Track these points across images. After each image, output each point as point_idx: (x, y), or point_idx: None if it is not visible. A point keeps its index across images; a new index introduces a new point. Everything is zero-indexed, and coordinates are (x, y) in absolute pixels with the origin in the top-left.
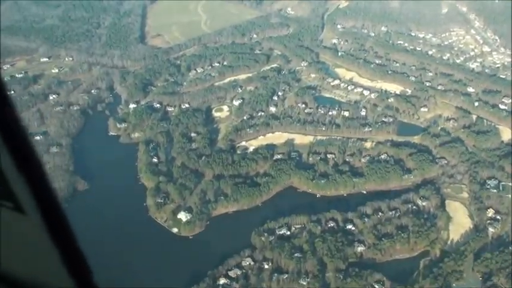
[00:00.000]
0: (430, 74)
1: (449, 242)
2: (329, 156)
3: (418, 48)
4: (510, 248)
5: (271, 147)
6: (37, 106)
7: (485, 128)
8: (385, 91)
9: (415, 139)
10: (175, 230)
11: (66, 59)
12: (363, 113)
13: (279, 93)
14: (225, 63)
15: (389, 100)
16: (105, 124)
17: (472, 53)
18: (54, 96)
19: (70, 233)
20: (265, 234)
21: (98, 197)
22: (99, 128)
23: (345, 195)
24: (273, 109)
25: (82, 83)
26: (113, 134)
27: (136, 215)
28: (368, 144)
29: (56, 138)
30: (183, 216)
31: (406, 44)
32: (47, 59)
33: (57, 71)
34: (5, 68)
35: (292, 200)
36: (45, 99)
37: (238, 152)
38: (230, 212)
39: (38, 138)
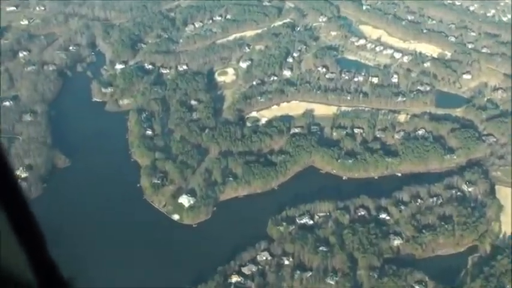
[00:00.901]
0: (473, 34)
1: (501, 236)
2: (356, 131)
3: (457, 3)
4: None
5: (287, 119)
6: (5, 65)
7: None
8: (420, 54)
9: (457, 112)
10: (176, 216)
11: (37, 8)
12: (395, 79)
13: (294, 54)
14: (228, 16)
15: (425, 65)
16: (87, 88)
17: None
18: (24, 53)
19: (26, 208)
20: (284, 223)
21: (82, 176)
22: (81, 93)
23: (376, 177)
24: (287, 73)
25: (57, 38)
26: (97, 100)
27: (129, 199)
28: (402, 117)
29: (29, 105)
30: (185, 200)
31: None
32: (14, 8)
33: (26, 22)
34: None
35: (314, 183)
36: (13, 57)
37: (248, 124)
38: (241, 196)
39: (7, 103)
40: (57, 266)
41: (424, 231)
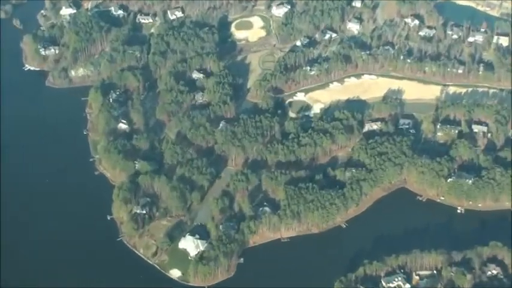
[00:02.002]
0: None
1: None
2: (476, 128)
3: None
4: None
5: (357, 107)
6: None
7: None
8: None
9: None
10: (175, 273)
11: None
12: None
13: None
14: None
15: None
16: (15, 47)
17: None
18: None
19: None
20: (361, 287)
21: (8, 198)
22: (5, 56)
23: None
24: (353, 27)
25: None
26: (32, 68)
27: (93, 241)
28: None
29: None
30: (190, 245)
31: None
32: None
33: None
34: None
35: (409, 218)
36: None
37: (292, 114)
38: (284, 238)
39: None
40: None
41: None
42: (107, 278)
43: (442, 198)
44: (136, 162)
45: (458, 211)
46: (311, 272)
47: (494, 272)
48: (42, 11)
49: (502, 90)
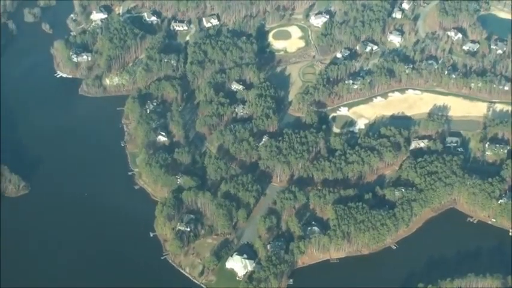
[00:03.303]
0: None
1: None
2: None
3: None
4: None
5: (402, 122)
6: None
7: None
8: None
9: None
10: None
11: None
12: None
13: (404, 6)
14: None
15: None
16: (45, 53)
17: None
18: None
19: None
20: None
21: (46, 209)
22: (34, 62)
23: None
24: (395, 39)
25: None
26: (65, 75)
27: (138, 261)
28: None
29: None
30: (238, 265)
31: None
32: None
33: None
34: None
35: (460, 240)
36: None
37: (336, 129)
38: (334, 259)
39: None
40: None
41: None
42: None
43: (493, 220)
44: (178, 177)
45: (510, 234)
46: None
47: None
48: (71, 15)
49: None
